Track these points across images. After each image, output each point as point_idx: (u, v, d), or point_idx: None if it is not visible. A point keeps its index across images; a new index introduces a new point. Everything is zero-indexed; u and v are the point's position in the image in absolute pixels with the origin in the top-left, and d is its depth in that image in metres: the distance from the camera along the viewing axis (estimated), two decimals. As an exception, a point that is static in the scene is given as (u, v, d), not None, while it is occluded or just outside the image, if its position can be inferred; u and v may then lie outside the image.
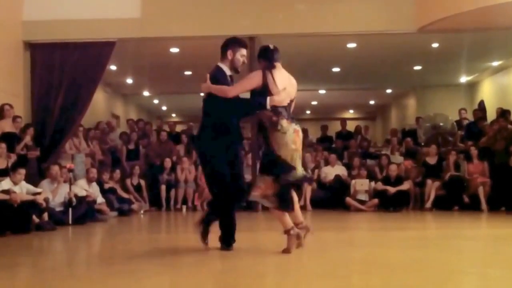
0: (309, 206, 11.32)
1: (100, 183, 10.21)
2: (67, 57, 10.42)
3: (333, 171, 11.93)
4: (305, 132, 15.34)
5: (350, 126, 15.50)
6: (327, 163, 12.32)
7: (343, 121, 15.53)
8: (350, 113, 22.56)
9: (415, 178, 11.52)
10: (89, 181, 9.72)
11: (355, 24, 10.32)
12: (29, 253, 5.84)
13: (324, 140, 14.70)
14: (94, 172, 9.86)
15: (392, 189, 10.86)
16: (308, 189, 11.48)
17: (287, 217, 4.84)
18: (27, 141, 9.26)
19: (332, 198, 11.54)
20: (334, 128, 16.30)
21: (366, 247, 5.39)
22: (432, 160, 11.51)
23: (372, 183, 11.27)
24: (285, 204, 4.72)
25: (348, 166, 12.29)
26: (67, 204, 8.48)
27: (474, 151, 11.05)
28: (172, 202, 11.73)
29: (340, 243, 5.53)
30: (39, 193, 7.70)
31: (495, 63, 13.98)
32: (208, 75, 5.01)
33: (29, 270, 4.56)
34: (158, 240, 6.97)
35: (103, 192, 10.08)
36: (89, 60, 10.46)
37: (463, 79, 15.78)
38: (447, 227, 8.11)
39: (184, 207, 11.56)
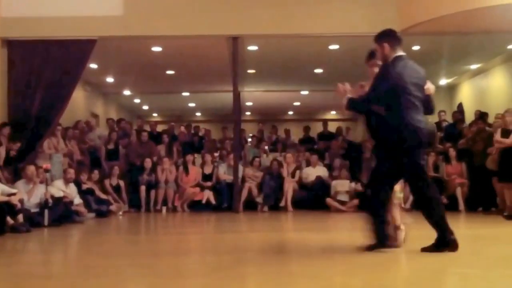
0: (290, 207, 11.34)
1: (78, 184, 10.08)
2: (46, 55, 10.28)
3: (315, 172, 11.95)
4: (287, 133, 15.44)
5: (333, 127, 15.55)
6: (308, 163, 12.34)
7: (325, 122, 15.63)
8: (332, 114, 22.60)
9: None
10: (67, 181, 9.58)
11: (338, 26, 10.36)
12: (3, 255, 5.72)
13: (306, 141, 14.74)
14: (71, 172, 9.72)
15: (372, 190, 10.90)
16: (289, 190, 11.51)
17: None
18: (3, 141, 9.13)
19: (313, 199, 11.57)
20: (317, 129, 16.33)
21: (346, 247, 5.39)
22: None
23: (353, 184, 11.31)
24: None
25: (330, 167, 12.33)
26: (43, 205, 8.31)
27: (452, 153, 11.16)
28: (152, 203, 11.66)
29: (322, 243, 5.54)
30: (14, 194, 7.55)
31: (474, 66, 14.11)
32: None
33: (3, 273, 4.46)
34: (137, 242, 6.91)
35: (81, 193, 9.95)
36: (68, 58, 10.34)
37: (443, 81, 15.89)
38: (425, 227, 8.13)
39: (164, 208, 11.50)
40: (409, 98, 4.71)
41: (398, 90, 4.69)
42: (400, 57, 4.84)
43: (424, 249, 4.78)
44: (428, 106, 4.94)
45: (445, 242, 4.69)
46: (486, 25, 9.91)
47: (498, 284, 3.57)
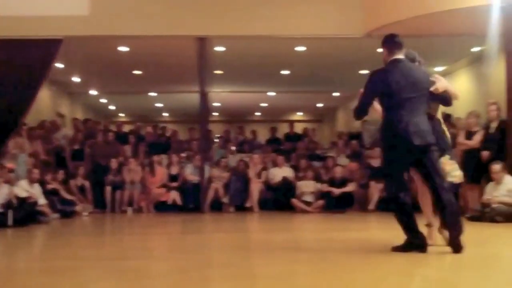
0: (256, 208, 11.38)
1: (43, 184, 9.96)
2: (11, 54, 10.10)
3: (281, 172, 12.00)
4: (254, 133, 15.48)
5: (298, 128, 15.65)
6: (275, 164, 12.40)
7: (291, 123, 15.75)
8: (299, 115, 22.76)
9: (360, 180, 11.73)
10: (31, 181, 9.45)
11: (304, 27, 10.42)
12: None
13: (272, 142, 14.80)
14: (36, 172, 9.60)
15: (337, 191, 11.04)
16: (255, 191, 11.54)
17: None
18: None
19: (279, 200, 11.63)
20: (284, 130, 16.43)
21: (310, 248, 5.45)
22: (376, 163, 11.72)
23: (318, 185, 11.42)
24: None
25: (296, 168, 12.40)
26: (7, 205, 8.23)
27: (417, 154, 11.30)
28: (117, 204, 11.57)
29: (286, 244, 5.59)
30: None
31: (439, 69, 14.33)
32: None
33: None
34: (101, 242, 6.86)
35: (46, 193, 9.83)
36: (34, 58, 10.18)
37: (408, 83, 16.10)
38: (388, 228, 8.25)
39: (130, 209, 11.42)
40: (392, 99, 4.90)
41: (383, 93, 4.96)
42: (394, 60, 5.04)
43: (394, 249, 4.96)
44: (445, 100, 5.19)
45: (413, 244, 4.91)
46: (450, 28, 10.07)
47: (460, 285, 3.64)
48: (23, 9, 10.02)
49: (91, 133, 13.31)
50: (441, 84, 5.06)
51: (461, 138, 9.69)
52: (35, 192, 9.33)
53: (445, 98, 5.15)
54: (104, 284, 3.79)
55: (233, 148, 13.98)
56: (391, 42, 5.12)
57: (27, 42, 10.11)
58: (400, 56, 5.06)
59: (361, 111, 5.12)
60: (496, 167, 8.57)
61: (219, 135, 16.08)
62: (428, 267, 4.38)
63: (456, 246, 4.77)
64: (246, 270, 4.32)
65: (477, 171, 9.32)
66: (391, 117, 4.92)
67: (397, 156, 4.96)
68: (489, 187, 8.78)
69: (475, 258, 4.83)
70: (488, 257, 5.06)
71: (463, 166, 9.58)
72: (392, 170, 5.03)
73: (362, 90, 5.14)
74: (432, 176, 4.98)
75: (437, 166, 4.99)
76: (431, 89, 4.99)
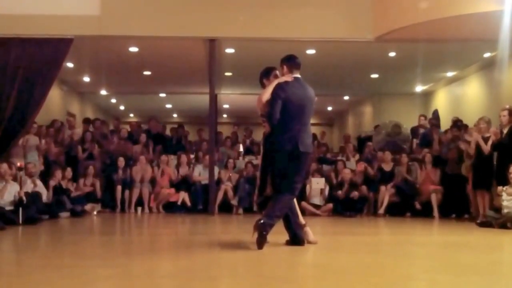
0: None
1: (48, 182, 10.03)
2: (21, 53, 10.16)
3: (289, 175, 11.94)
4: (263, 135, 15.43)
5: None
6: (283, 167, 12.33)
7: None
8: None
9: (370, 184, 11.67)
10: (29, 176, 9.44)
11: (314, 30, 10.42)
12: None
13: (281, 145, 14.72)
14: (31, 167, 9.61)
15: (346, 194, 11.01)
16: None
17: None
18: None
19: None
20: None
21: (318, 251, 5.43)
22: (387, 167, 11.68)
23: (327, 188, 11.36)
24: None
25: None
26: (17, 203, 8.28)
27: (428, 158, 11.25)
28: (127, 203, 11.56)
29: (293, 246, 5.57)
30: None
31: (450, 74, 14.29)
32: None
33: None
34: (110, 242, 6.87)
35: (57, 192, 9.87)
36: (45, 57, 10.24)
37: (419, 88, 16.07)
38: (398, 233, 8.24)
39: (139, 209, 11.42)
40: (291, 110, 5.63)
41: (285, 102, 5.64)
42: (295, 78, 5.87)
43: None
44: None
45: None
46: (461, 33, 10.03)
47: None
48: (34, 8, 10.07)
49: (101, 133, 13.33)
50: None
51: (478, 138, 9.57)
52: (39, 188, 9.38)
53: None
54: (108, 283, 3.79)
55: (242, 150, 13.97)
56: (292, 62, 5.95)
57: (38, 41, 10.17)
58: (298, 75, 5.88)
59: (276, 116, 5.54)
60: (514, 168, 8.40)
61: (225, 137, 16.09)
62: (434, 271, 4.35)
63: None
64: (253, 271, 4.30)
65: (487, 176, 9.26)
66: (286, 125, 5.49)
67: (284, 160, 5.53)
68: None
69: (483, 263, 4.80)
70: (496, 263, 5.02)
71: (474, 171, 9.58)
72: (281, 171, 5.65)
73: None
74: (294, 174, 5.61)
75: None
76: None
